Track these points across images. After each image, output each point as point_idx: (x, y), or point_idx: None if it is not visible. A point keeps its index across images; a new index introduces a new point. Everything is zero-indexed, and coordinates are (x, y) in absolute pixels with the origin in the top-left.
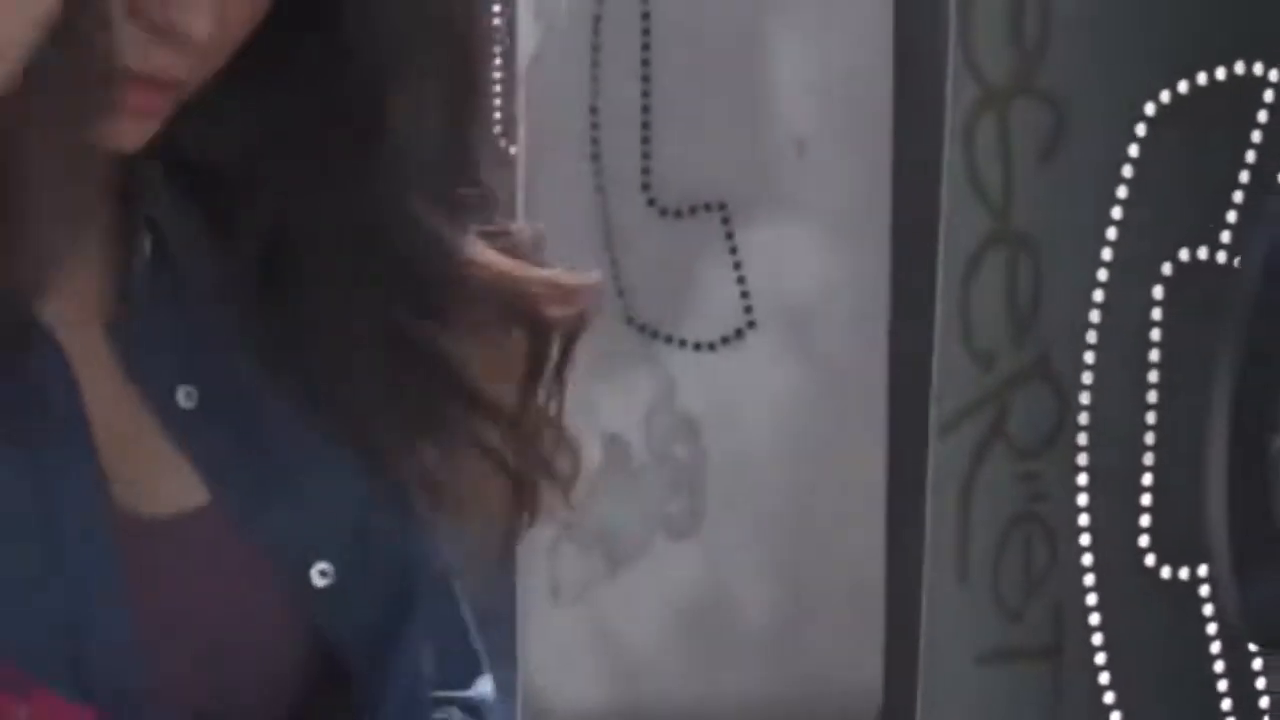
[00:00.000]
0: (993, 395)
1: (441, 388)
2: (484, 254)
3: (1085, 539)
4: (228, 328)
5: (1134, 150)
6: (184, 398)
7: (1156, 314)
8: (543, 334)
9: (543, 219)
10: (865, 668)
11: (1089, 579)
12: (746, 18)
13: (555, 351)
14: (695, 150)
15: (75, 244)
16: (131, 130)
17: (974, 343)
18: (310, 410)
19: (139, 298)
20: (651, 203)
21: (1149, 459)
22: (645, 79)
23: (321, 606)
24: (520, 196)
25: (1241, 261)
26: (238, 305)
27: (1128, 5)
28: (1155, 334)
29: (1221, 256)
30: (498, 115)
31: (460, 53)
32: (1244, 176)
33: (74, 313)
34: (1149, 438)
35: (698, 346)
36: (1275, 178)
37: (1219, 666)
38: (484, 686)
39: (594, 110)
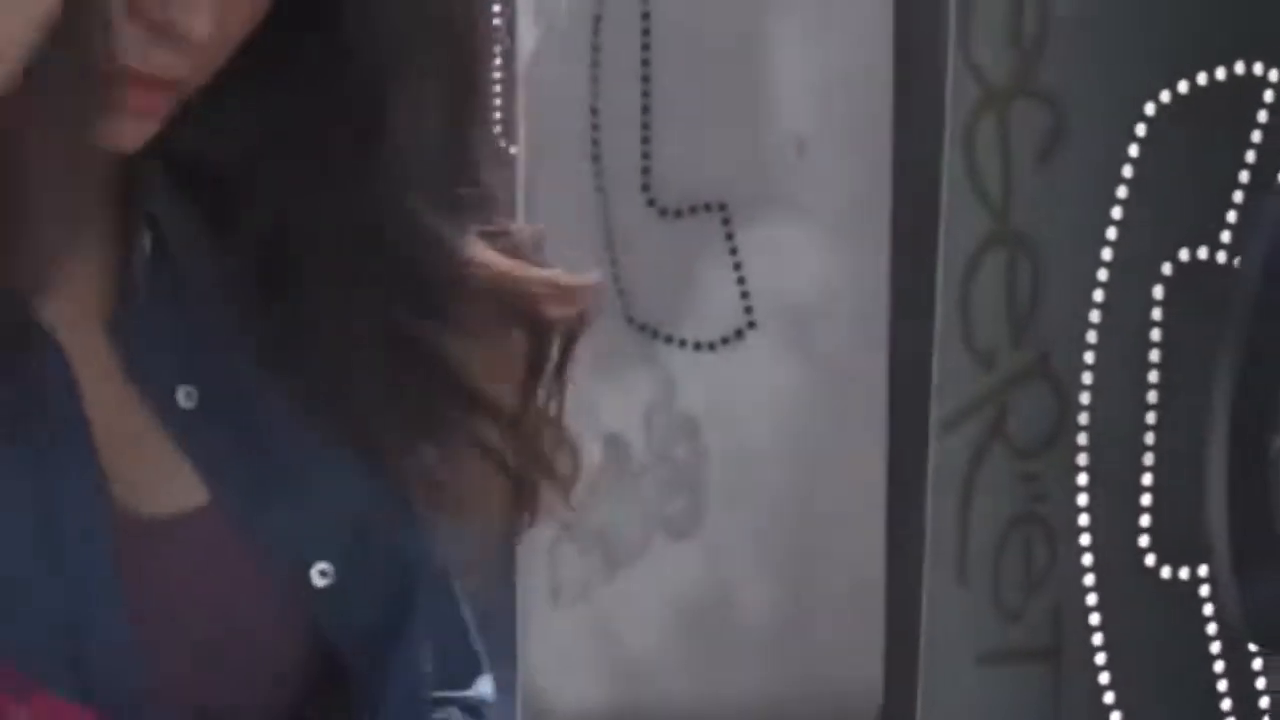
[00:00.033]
0: (992, 395)
1: (441, 387)
2: (484, 254)
3: (1085, 539)
4: (227, 327)
5: (1134, 150)
6: (184, 398)
7: (1156, 314)
8: (542, 334)
9: (543, 219)
10: (865, 667)
11: (1089, 579)
12: (746, 18)
13: (555, 352)
14: (695, 150)
15: (75, 243)
16: (131, 130)
17: (974, 343)
18: (310, 410)
19: (139, 296)
20: (651, 203)
21: (1149, 459)
22: (645, 79)
23: (321, 606)
24: (520, 196)
25: (1241, 262)
26: (237, 304)
27: (1127, 6)
28: (1155, 334)
29: (1221, 256)
30: (498, 115)
31: (461, 52)
32: (1244, 176)
33: (74, 312)
34: (1149, 438)
35: (698, 346)
36: (1275, 178)
37: (1219, 666)
38: (484, 686)
39: (594, 110)
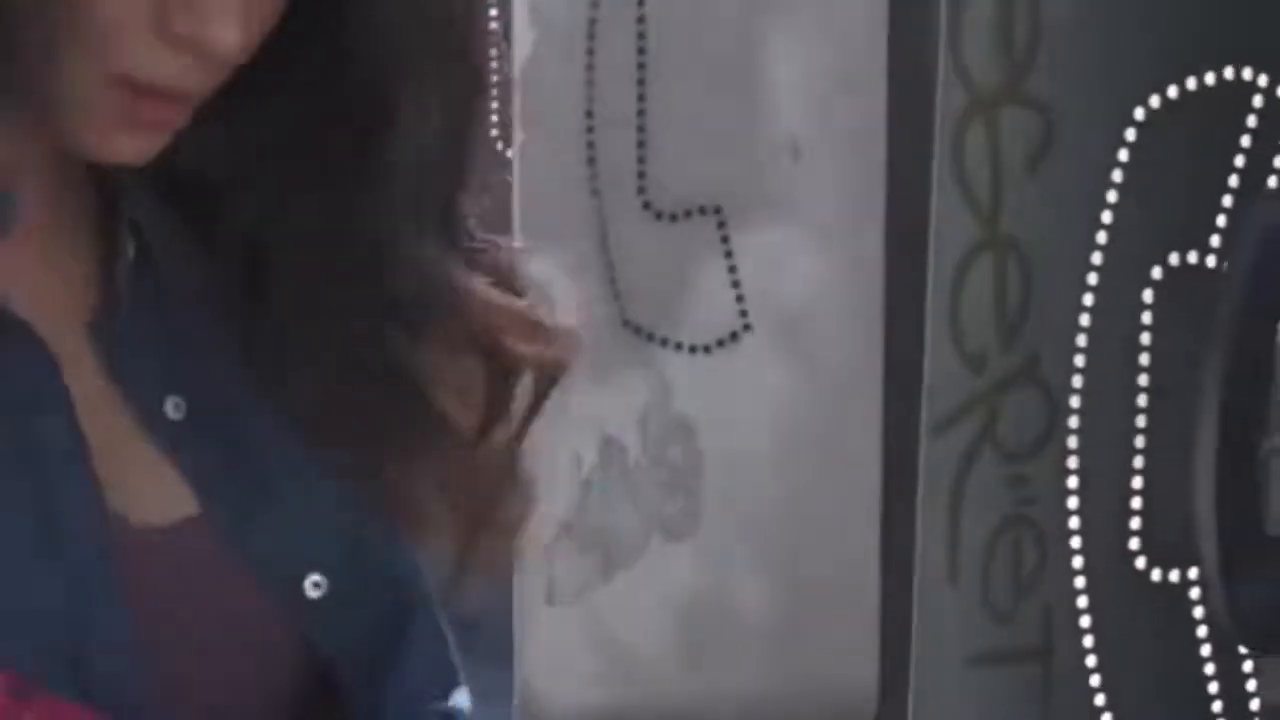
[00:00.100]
0: (983, 399)
1: (407, 407)
2: (461, 274)
3: (1075, 541)
4: (211, 335)
5: (1124, 155)
6: (172, 409)
7: (1146, 318)
8: (504, 366)
9: (538, 222)
10: (862, 668)
11: (1079, 581)
12: (742, 22)
13: (521, 391)
14: (691, 154)
15: (56, 247)
16: (143, 144)
17: (964, 347)
18: (291, 421)
19: (122, 302)
20: (647, 206)
21: (1139, 462)
22: (641, 83)
23: (314, 618)
24: (516, 200)
25: (1229, 265)
26: (221, 312)
27: (1117, 11)
28: (1145, 338)
29: (1211, 261)
30: (494, 118)
31: (462, 57)
32: (1233, 181)
33: (56, 317)
34: (1139, 441)
35: (693, 349)
36: (1265, 183)
37: (1210, 669)
38: (461, 699)
39: (589, 114)
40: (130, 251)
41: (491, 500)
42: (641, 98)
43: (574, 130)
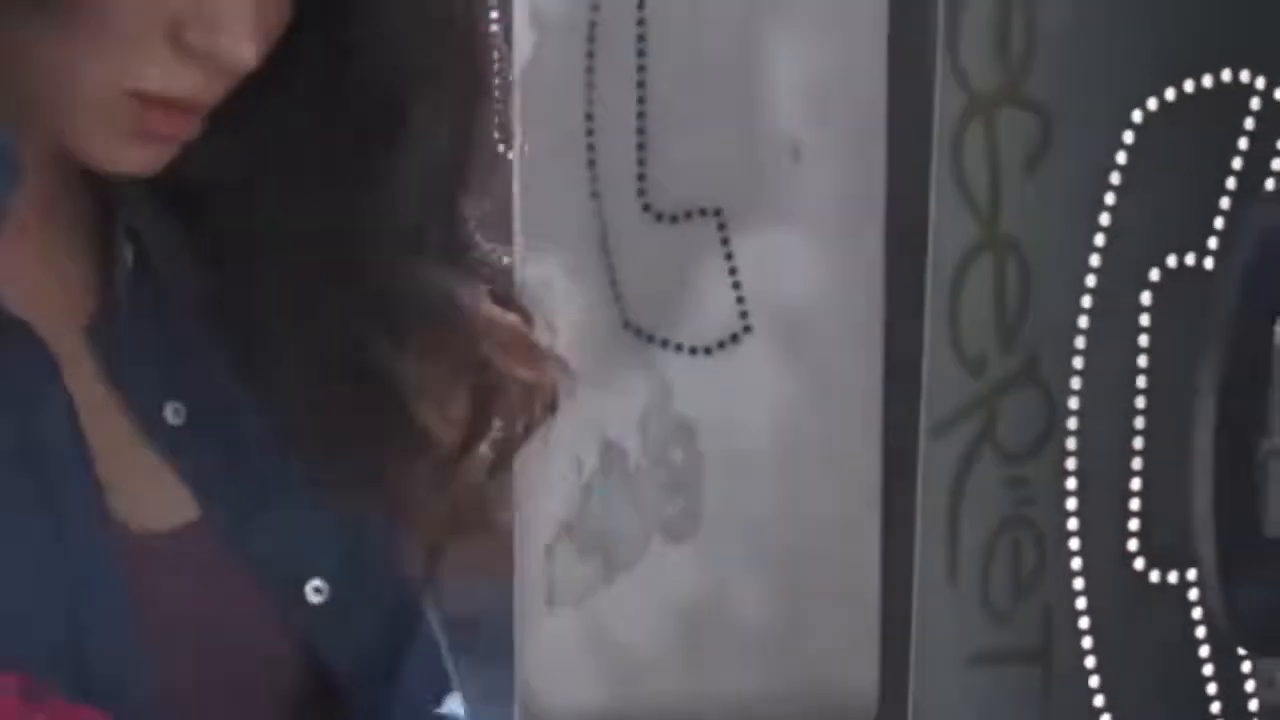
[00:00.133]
0: (982, 400)
1: (389, 418)
2: (458, 287)
3: (1074, 543)
4: (209, 341)
5: (1121, 157)
6: (172, 414)
7: (1144, 320)
8: (493, 384)
9: (539, 224)
10: (862, 670)
11: (1078, 582)
12: (742, 24)
13: (507, 419)
14: (691, 156)
15: (53, 252)
16: (153, 154)
17: (963, 349)
18: (281, 427)
19: (121, 308)
20: (647, 208)
21: (1137, 464)
22: (641, 85)
23: (315, 623)
24: (516, 202)
25: (1225, 267)
26: (218, 318)
27: (1115, 13)
28: (1143, 340)
29: (1209, 263)
30: (494, 120)
31: (467, 61)
32: (1231, 183)
33: (53, 318)
34: (1137, 443)
35: (694, 351)
36: (1262, 184)
37: (1209, 670)
38: (455, 705)
39: (589, 116)
40: (129, 258)
41: (454, 518)
42: (641, 100)
43: (574, 132)
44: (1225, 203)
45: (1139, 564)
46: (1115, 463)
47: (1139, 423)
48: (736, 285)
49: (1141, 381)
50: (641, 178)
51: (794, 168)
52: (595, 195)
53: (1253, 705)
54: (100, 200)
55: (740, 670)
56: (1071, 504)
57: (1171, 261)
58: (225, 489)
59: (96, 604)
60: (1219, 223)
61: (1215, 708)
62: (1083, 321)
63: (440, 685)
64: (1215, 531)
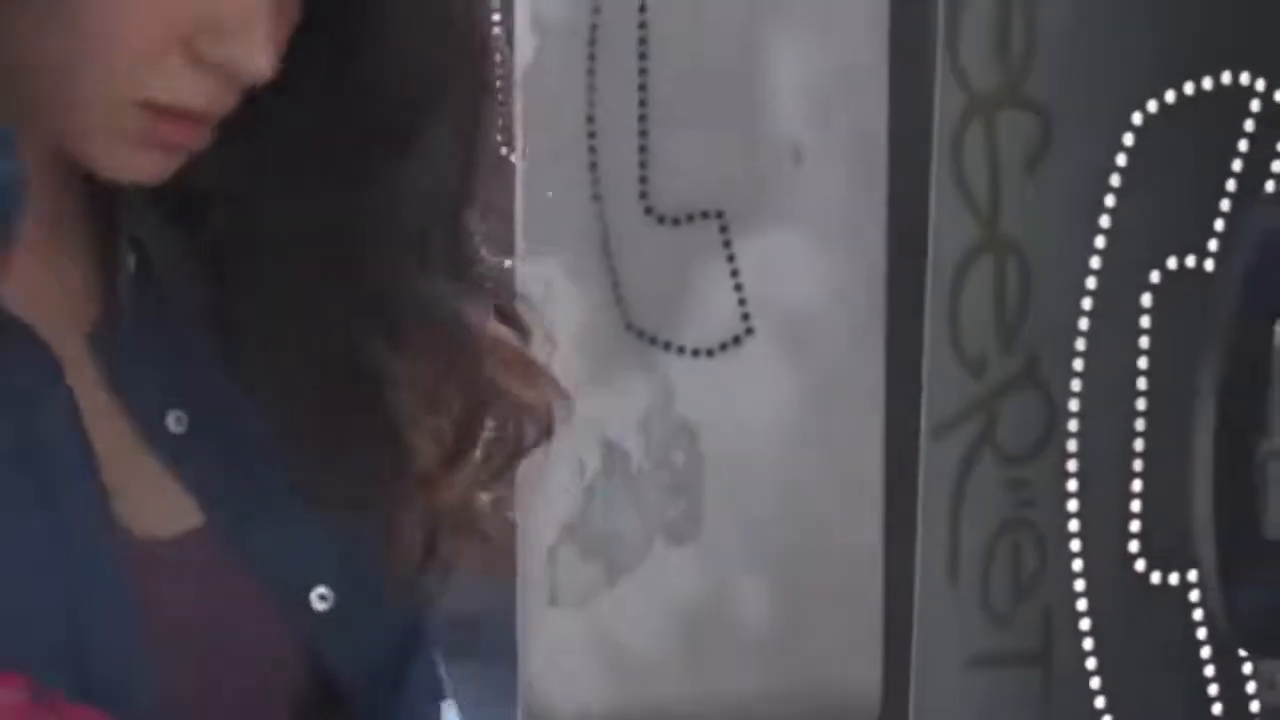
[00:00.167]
0: (982, 402)
1: (384, 427)
2: (475, 313)
3: (1075, 544)
4: (211, 349)
5: (1121, 159)
6: (174, 422)
7: (1145, 321)
8: (488, 402)
9: (541, 227)
10: (864, 671)
11: (1079, 584)
12: (743, 27)
13: (498, 441)
14: (692, 158)
15: (55, 258)
16: (161, 163)
17: (963, 350)
18: (282, 436)
19: (123, 315)
20: (649, 210)
21: (1138, 465)
22: (642, 88)
23: (320, 630)
24: (518, 205)
25: (1226, 268)
26: (219, 326)
27: (1115, 15)
28: (1143, 341)
29: (1209, 265)
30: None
31: (467, 60)
32: (1231, 185)
33: (55, 325)
34: (1138, 444)
35: (696, 353)
36: (1262, 186)
37: (1210, 671)
38: (450, 714)
39: (591, 119)
40: (131, 266)
41: (433, 535)
42: (643, 103)
43: (576, 135)
44: (1225, 205)
45: (1140, 565)
46: (1116, 464)
47: (1139, 424)
48: (738, 287)
49: (1142, 383)
50: (643, 180)
51: (795, 170)
52: (597, 198)
53: (1254, 706)
54: (103, 206)
55: (742, 671)
56: (1072, 505)
57: (1171, 263)
58: (228, 496)
59: (98, 606)
60: (1219, 225)
61: (1216, 709)
62: (1083, 323)
63: (437, 692)
64: (1215, 532)
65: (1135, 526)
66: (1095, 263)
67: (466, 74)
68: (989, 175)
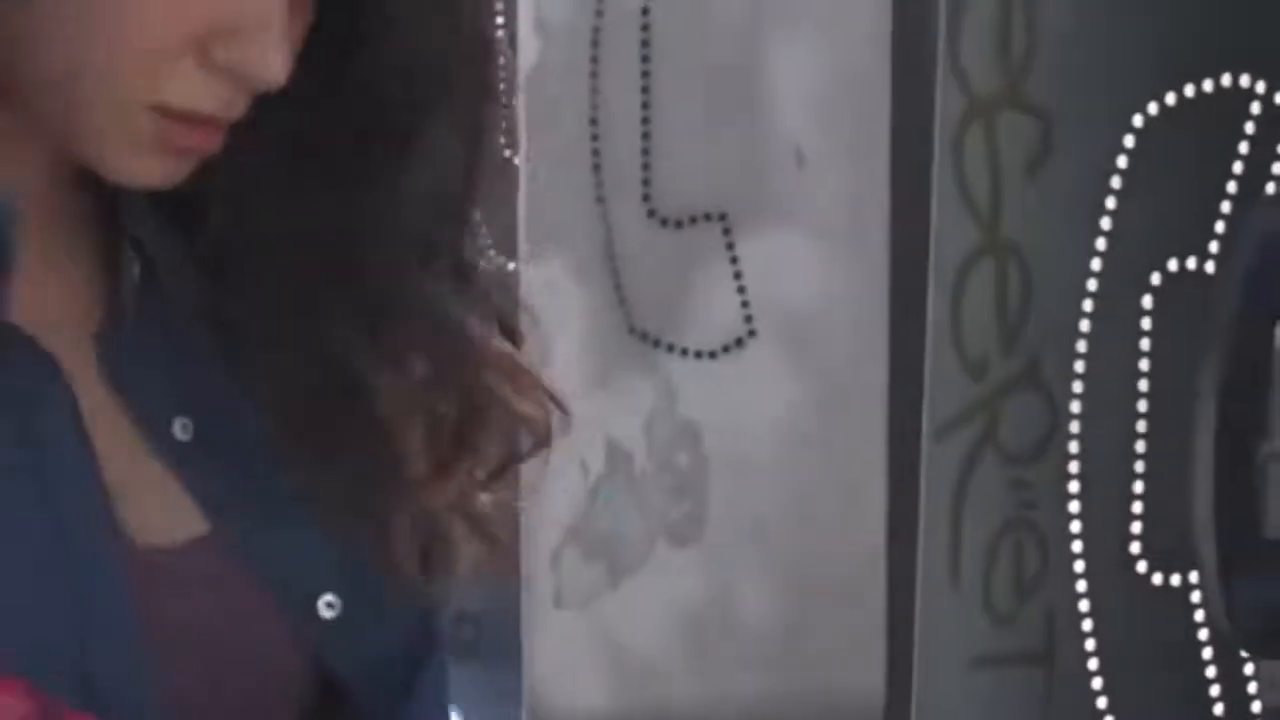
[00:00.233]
0: (984, 404)
1: (379, 434)
2: (477, 325)
3: (1077, 545)
4: (211, 351)
5: (1122, 162)
6: (180, 430)
7: (1146, 323)
8: (477, 404)
9: (544, 229)
10: (866, 672)
11: (1081, 585)
12: (745, 30)
13: (488, 444)
14: (695, 161)
15: (57, 264)
16: (173, 168)
17: (965, 352)
18: (278, 436)
19: (127, 321)
20: (652, 213)
21: (1139, 466)
22: (645, 90)
23: (328, 638)
24: (521, 207)
25: (1226, 270)
26: (220, 329)
27: (1115, 18)
28: (1144, 343)
29: (1210, 266)
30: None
31: (471, 61)
32: (1232, 187)
33: (59, 330)
34: (1139, 446)
35: (699, 355)
36: (1263, 188)
37: (1211, 672)
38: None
39: (594, 121)
40: (136, 273)
41: (426, 542)
42: (646, 105)
43: (579, 137)
44: (1226, 206)
45: (1141, 566)
46: (1117, 465)
47: (1140, 425)
48: (741, 289)
49: (1143, 384)
50: (646, 183)
51: (798, 172)
52: (600, 200)
53: (1255, 707)
54: (105, 207)
55: (745, 672)
56: (1074, 506)
57: (1172, 265)
58: (234, 504)
59: (98, 606)
60: (1219, 226)
61: (1218, 709)
62: (1084, 325)
63: (448, 700)
64: (1216, 533)
65: (1137, 528)
66: (1096, 265)
67: (469, 75)
68: (990, 178)
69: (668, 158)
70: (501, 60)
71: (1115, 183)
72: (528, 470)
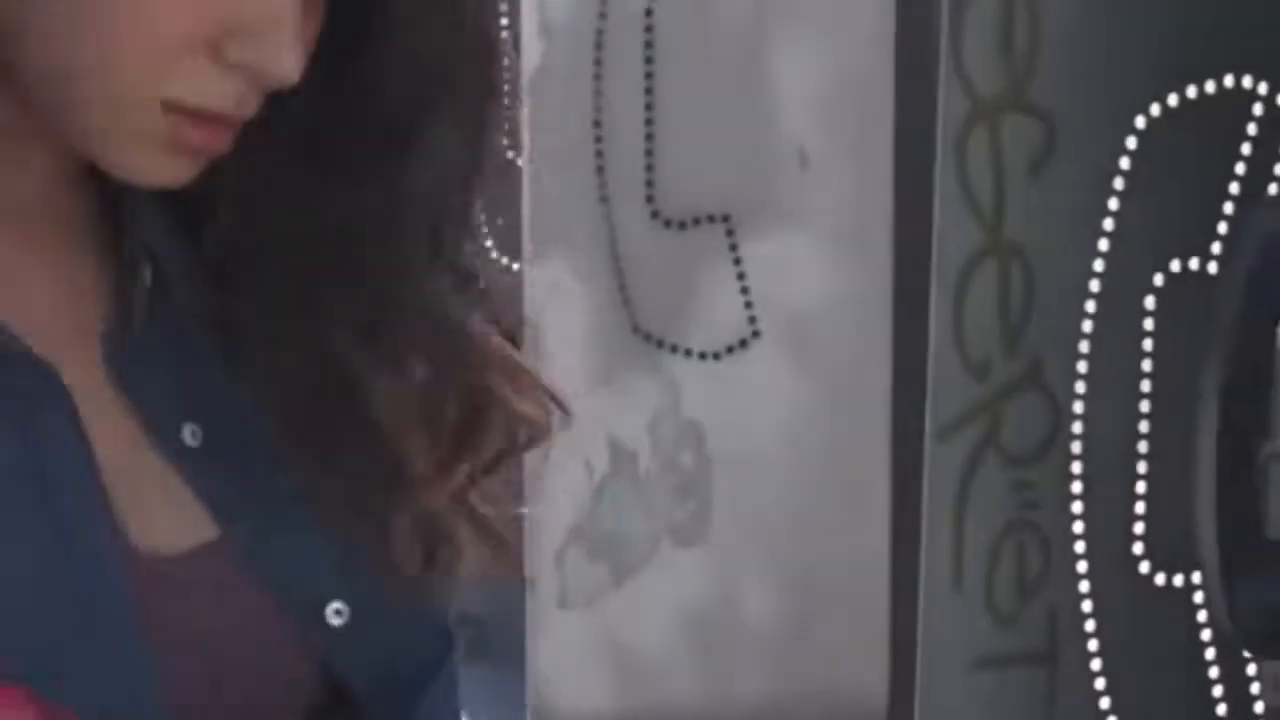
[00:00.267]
0: (986, 405)
1: (378, 436)
2: (478, 324)
3: (1079, 546)
4: (214, 351)
5: (1125, 163)
6: (190, 436)
7: (1148, 324)
8: (484, 411)
9: (548, 230)
10: (871, 673)
11: (1083, 586)
12: (749, 31)
13: (489, 444)
14: (699, 162)
15: (65, 269)
16: (185, 166)
17: (967, 353)
18: (280, 439)
19: (136, 327)
20: (656, 214)
21: (1142, 467)
22: (649, 91)
23: (336, 645)
24: (525, 208)
25: (1229, 271)
26: (224, 331)
27: (1118, 19)
28: (1147, 344)
29: (1212, 267)
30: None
31: (474, 62)
32: (1234, 188)
33: (68, 341)
34: (1142, 446)
35: (703, 355)
36: (1265, 189)
37: (1214, 672)
38: None
39: (597, 123)
40: (147, 278)
41: (428, 542)
42: (649, 106)
43: (582, 138)
44: (1228, 207)
45: (1144, 567)
46: (1120, 466)
47: (1143, 426)
48: (745, 290)
49: (1145, 385)
50: (650, 184)
51: (802, 173)
52: (604, 201)
53: (1258, 707)
54: (108, 208)
55: (749, 674)
56: (1076, 507)
57: (1175, 266)
58: (243, 510)
59: (98, 607)
60: (1222, 227)
61: (1221, 710)
62: (1086, 326)
63: (458, 704)
64: (1218, 534)
65: (1139, 528)
66: (1099, 266)
67: (472, 75)
68: (993, 179)
69: (671, 159)
70: (505, 62)
71: (1118, 184)
72: (531, 471)
